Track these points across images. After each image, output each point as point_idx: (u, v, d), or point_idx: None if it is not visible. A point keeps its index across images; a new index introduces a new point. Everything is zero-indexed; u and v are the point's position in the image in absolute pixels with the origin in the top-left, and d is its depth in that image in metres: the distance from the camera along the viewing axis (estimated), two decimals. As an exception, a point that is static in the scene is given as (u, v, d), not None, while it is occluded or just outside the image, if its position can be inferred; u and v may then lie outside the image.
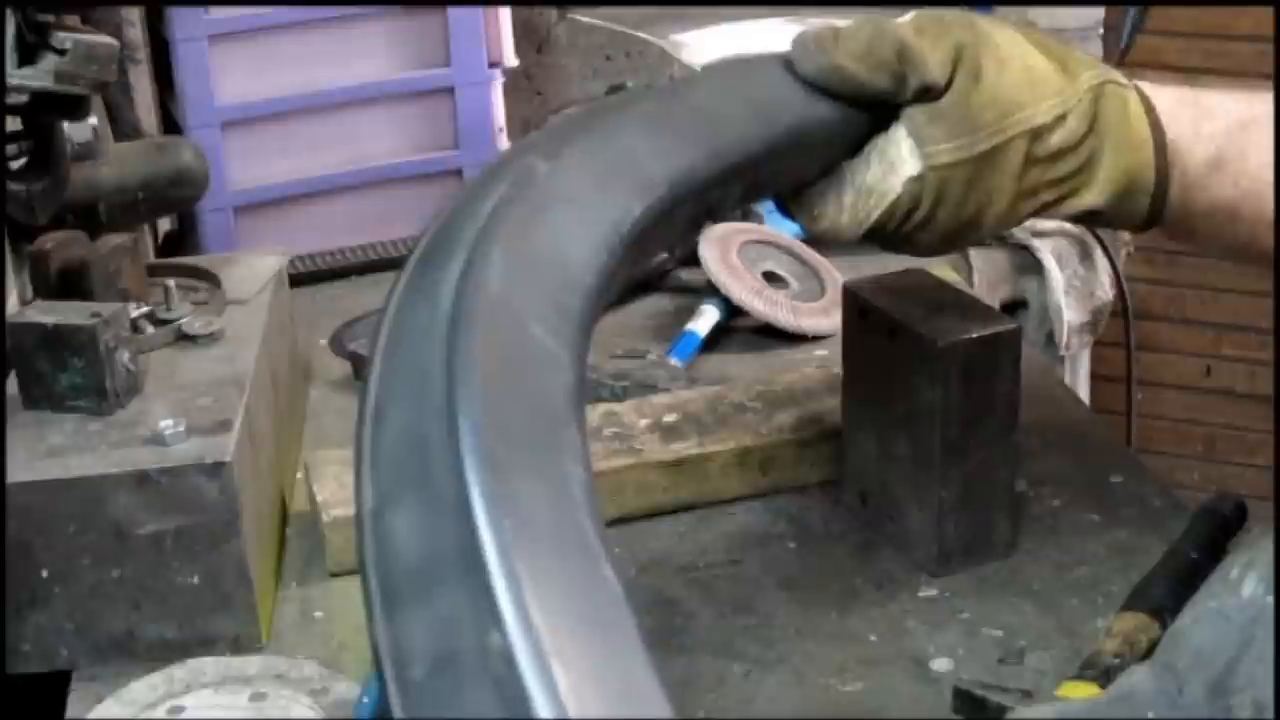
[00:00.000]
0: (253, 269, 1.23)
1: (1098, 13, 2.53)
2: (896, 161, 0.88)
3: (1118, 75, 0.92)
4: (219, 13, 1.57)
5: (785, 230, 1.51)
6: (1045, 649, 0.96)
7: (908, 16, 0.89)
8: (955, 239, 0.91)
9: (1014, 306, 2.23)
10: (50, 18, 1.02)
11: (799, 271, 1.45)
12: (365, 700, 0.90)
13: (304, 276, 1.57)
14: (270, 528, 1.07)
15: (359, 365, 1.36)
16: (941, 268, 1.32)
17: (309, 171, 1.65)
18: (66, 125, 1.11)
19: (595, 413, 1.18)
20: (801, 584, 1.04)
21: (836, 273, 1.43)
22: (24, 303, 1.13)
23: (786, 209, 0.93)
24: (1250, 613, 0.70)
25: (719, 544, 1.10)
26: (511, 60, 1.73)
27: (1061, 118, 0.89)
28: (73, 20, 1.06)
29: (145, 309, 1.14)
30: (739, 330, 1.43)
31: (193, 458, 0.95)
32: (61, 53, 1.01)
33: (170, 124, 1.68)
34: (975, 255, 1.84)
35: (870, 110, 0.88)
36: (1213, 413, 2.68)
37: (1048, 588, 1.02)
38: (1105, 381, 2.45)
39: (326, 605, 1.04)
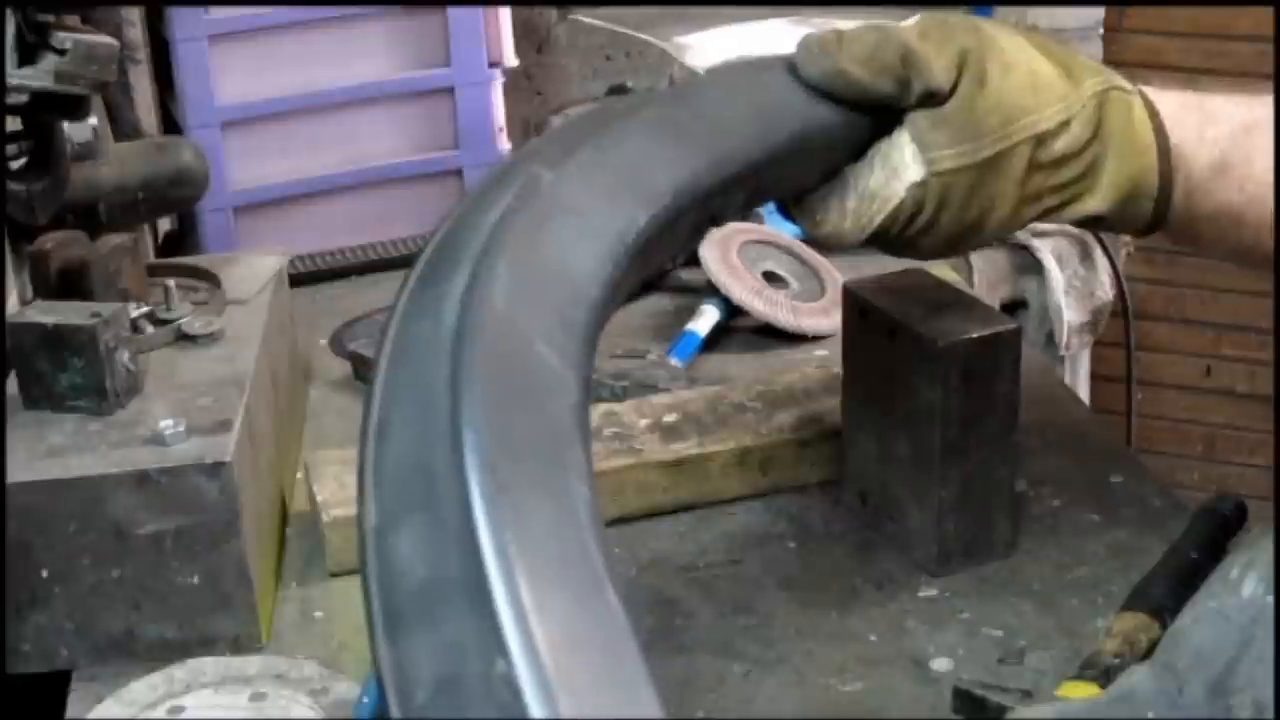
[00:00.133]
0: (253, 269, 1.23)
1: (1098, 13, 2.53)
2: (900, 167, 0.88)
3: (1122, 81, 0.92)
4: (219, 13, 1.57)
5: (785, 230, 1.51)
6: (1045, 649, 0.96)
7: (913, 20, 0.89)
8: (957, 243, 0.91)
9: (1014, 306, 2.23)
10: (50, 18, 1.02)
11: (799, 271, 1.45)
12: (365, 700, 0.90)
13: (304, 276, 1.57)
14: (270, 528, 1.07)
15: (359, 365, 1.36)
16: (941, 268, 1.32)
17: (309, 171, 1.65)
18: (66, 125, 1.11)
19: (595, 413, 1.18)
20: (801, 584, 1.04)
21: (836, 273, 1.43)
22: (24, 303, 1.13)
23: (789, 213, 0.93)
24: (1250, 613, 0.70)
25: (719, 544, 1.10)
26: (511, 60, 1.73)
27: (1066, 123, 0.88)
28: (73, 20, 1.06)
29: (145, 309, 1.14)
30: (739, 330, 1.43)
31: (193, 458, 0.95)
32: (61, 53, 1.01)
33: (170, 124, 1.68)
34: (975, 255, 1.84)
35: (874, 114, 0.88)
36: (1213, 413, 2.68)
37: (1048, 588, 1.02)
38: (1105, 381, 2.45)
39: (326, 605, 1.04)
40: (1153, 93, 0.92)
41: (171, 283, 1.15)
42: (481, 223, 0.63)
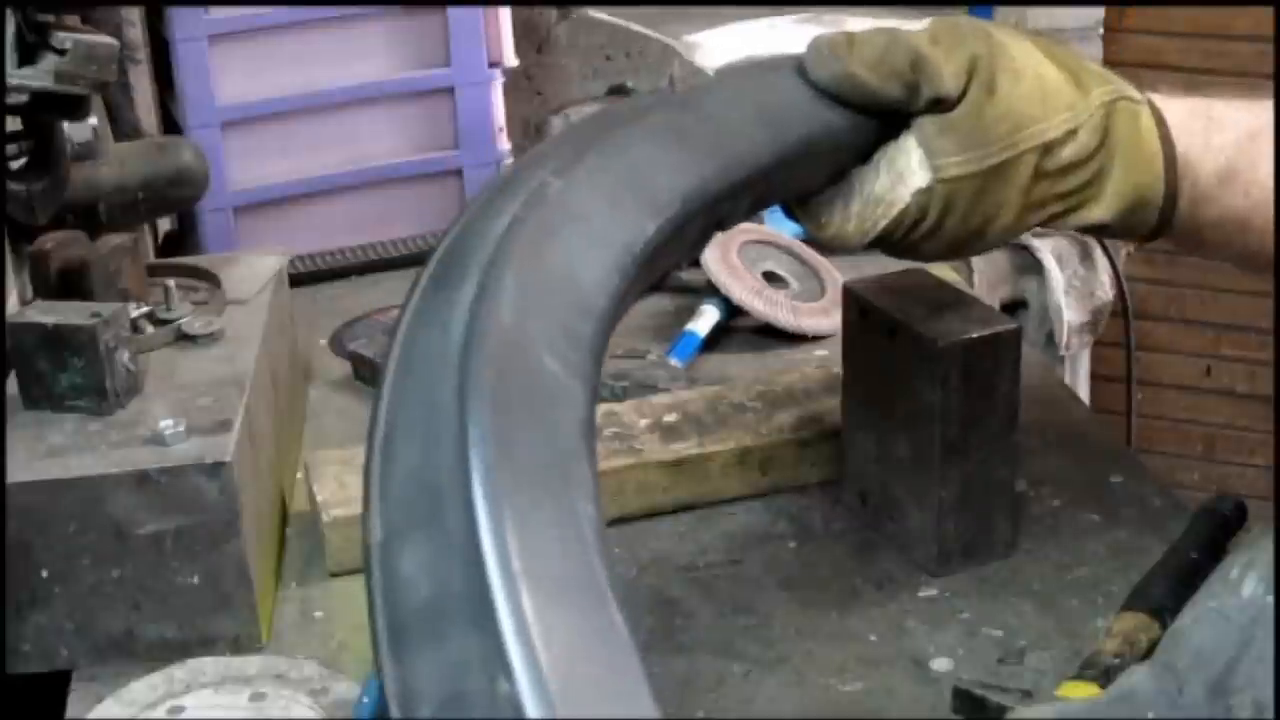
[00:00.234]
0: (253, 269, 1.23)
1: (1097, 13, 2.53)
2: (905, 172, 0.87)
3: (1131, 90, 0.91)
4: (219, 13, 1.57)
5: (785, 230, 1.51)
6: (1045, 649, 0.96)
7: (923, 25, 0.89)
8: (960, 248, 0.91)
9: (1014, 306, 2.23)
10: (50, 18, 1.02)
11: (799, 271, 1.45)
12: (365, 700, 0.90)
13: (304, 276, 1.57)
14: (270, 528, 1.07)
15: (359, 365, 1.36)
16: (941, 268, 1.31)
17: (309, 171, 1.65)
18: (66, 125, 1.11)
19: (596, 413, 1.18)
20: (801, 584, 1.04)
21: (836, 273, 1.43)
22: (24, 303, 1.13)
23: (794, 215, 0.93)
24: (1250, 613, 0.70)
25: (719, 544, 1.10)
26: (511, 60, 1.72)
27: (1073, 132, 0.88)
28: (73, 20, 1.06)
29: (145, 309, 1.14)
30: (739, 330, 1.43)
31: (193, 458, 0.95)
32: (61, 53, 1.01)
33: (170, 124, 1.68)
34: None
35: (881, 118, 0.88)
36: (1213, 413, 2.68)
37: (1048, 588, 1.02)
38: (1105, 381, 2.45)
39: (326, 605, 1.04)
40: (1160, 100, 0.92)
41: (171, 283, 1.16)
42: (489, 230, 0.62)
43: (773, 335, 1.40)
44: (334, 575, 1.07)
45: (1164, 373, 2.66)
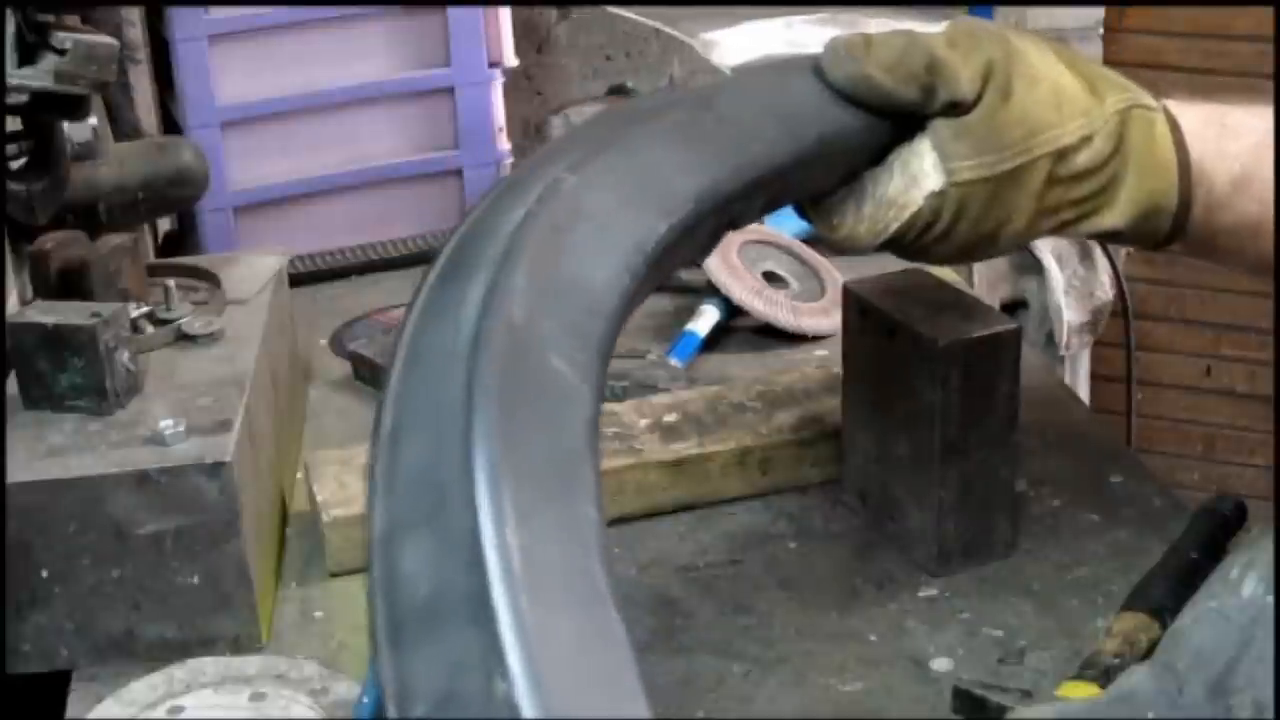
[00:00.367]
0: (253, 269, 1.23)
1: (1097, 13, 2.53)
2: (919, 175, 0.87)
3: (1146, 97, 0.91)
4: (219, 13, 1.57)
5: (785, 230, 1.51)
6: (1045, 649, 0.96)
7: (940, 28, 0.89)
8: (972, 252, 0.91)
9: (1014, 306, 2.23)
10: (50, 18, 1.02)
11: (799, 271, 1.45)
12: (365, 700, 0.90)
13: (304, 276, 1.57)
14: (270, 528, 1.07)
15: (359, 365, 1.36)
16: (941, 268, 1.31)
17: (309, 171, 1.65)
18: (66, 125, 1.11)
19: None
20: (801, 584, 1.04)
21: (836, 273, 1.43)
22: (24, 303, 1.13)
23: (806, 216, 0.93)
24: (1250, 613, 0.70)
25: (719, 544, 1.10)
26: (511, 60, 1.73)
27: (1088, 139, 0.88)
28: (73, 20, 1.06)
29: (145, 309, 1.14)
30: (739, 330, 1.43)
31: (193, 458, 0.95)
32: (61, 53, 1.01)
33: (170, 124, 1.68)
34: (975, 255, 1.83)
35: (896, 120, 0.88)
36: (1213, 413, 2.68)
37: (1048, 588, 1.02)
38: (1105, 381, 2.45)
39: (326, 605, 1.04)
40: (1175, 107, 0.92)
41: (171, 283, 1.16)
42: (501, 226, 0.62)
43: (773, 335, 1.40)
44: (334, 575, 1.07)
45: (1164, 373, 2.66)
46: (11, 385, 1.02)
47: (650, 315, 1.46)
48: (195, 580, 0.96)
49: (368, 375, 1.35)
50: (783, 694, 0.94)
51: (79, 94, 1.04)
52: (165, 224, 1.72)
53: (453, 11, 1.65)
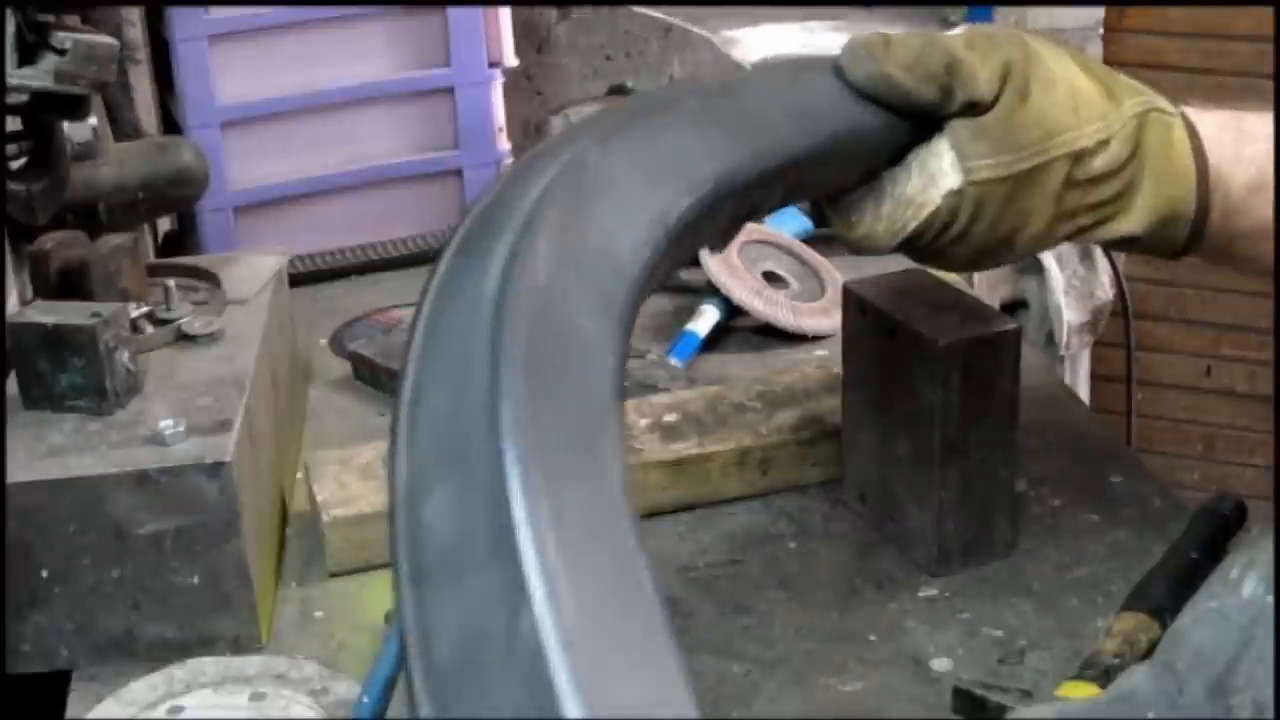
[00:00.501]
0: (253, 269, 1.23)
1: (1097, 13, 2.53)
2: (937, 174, 0.87)
3: (1164, 102, 0.91)
4: (219, 13, 1.57)
5: (785, 230, 1.51)
6: (1045, 649, 0.96)
7: (959, 30, 0.89)
8: (987, 256, 0.91)
9: (1014, 306, 2.23)
10: (50, 18, 1.02)
11: (799, 271, 1.45)
12: (365, 700, 0.90)
13: (304, 276, 1.57)
14: (270, 528, 1.07)
15: (359, 365, 1.36)
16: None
17: (309, 171, 1.65)
18: (66, 125, 1.11)
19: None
20: (801, 584, 1.04)
21: (836, 273, 1.43)
22: (24, 303, 1.13)
23: (825, 214, 0.93)
24: (1250, 613, 0.70)
25: (719, 544, 1.10)
26: (511, 60, 1.72)
27: (1105, 142, 0.88)
28: (73, 20, 1.06)
29: (145, 309, 1.14)
30: (739, 330, 1.43)
31: (193, 458, 0.95)
32: (61, 53, 1.01)
33: (170, 124, 1.68)
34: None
35: (915, 120, 0.88)
36: (1213, 413, 2.68)
37: (1048, 588, 1.02)
38: (1105, 381, 2.46)
39: (326, 605, 1.04)
40: (1193, 114, 0.92)
41: (171, 283, 1.16)
42: (525, 194, 0.62)
43: (773, 335, 1.40)
44: (334, 575, 1.07)
45: (1164, 373, 2.66)
46: (11, 385, 1.02)
47: (650, 315, 1.46)
48: (195, 580, 0.96)
49: (368, 375, 1.35)
50: (783, 694, 0.94)
51: (79, 94, 1.04)
52: (165, 224, 1.72)
53: (453, 11, 1.65)
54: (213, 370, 1.07)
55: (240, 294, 1.18)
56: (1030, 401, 1.05)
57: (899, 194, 0.89)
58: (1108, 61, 2.36)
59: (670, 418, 1.18)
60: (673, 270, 0.75)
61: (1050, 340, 2.25)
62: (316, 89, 1.63)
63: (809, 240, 1.50)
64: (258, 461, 1.04)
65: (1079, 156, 0.88)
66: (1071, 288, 2.22)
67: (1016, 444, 1.03)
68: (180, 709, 0.91)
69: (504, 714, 0.39)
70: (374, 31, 1.65)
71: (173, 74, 1.60)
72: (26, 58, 1.01)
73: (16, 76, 1.00)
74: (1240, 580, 0.72)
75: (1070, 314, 2.22)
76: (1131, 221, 0.90)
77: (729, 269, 1.41)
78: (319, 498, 1.08)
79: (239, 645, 0.98)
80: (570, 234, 0.61)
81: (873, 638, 0.98)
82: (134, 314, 1.11)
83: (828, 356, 1.33)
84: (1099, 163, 0.88)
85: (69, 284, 1.10)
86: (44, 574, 0.95)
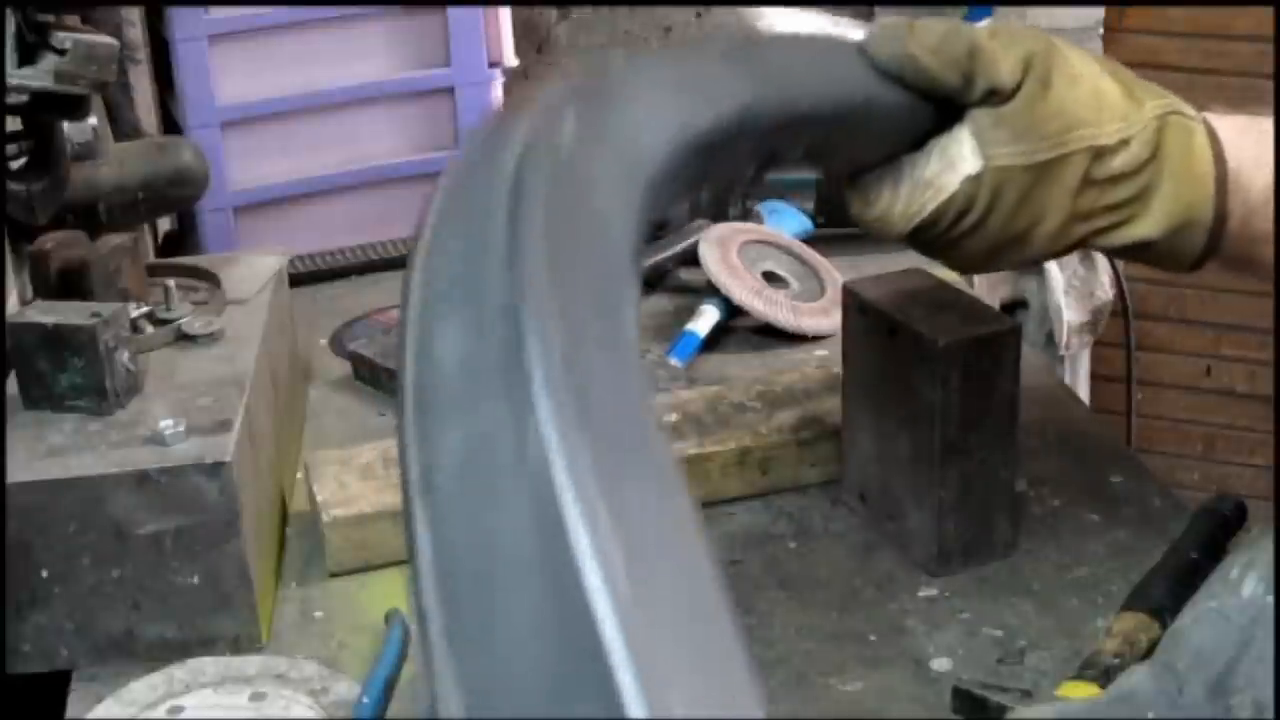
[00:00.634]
0: (253, 269, 1.23)
1: (1097, 13, 2.53)
2: (956, 159, 0.87)
3: (1186, 106, 0.91)
4: (219, 13, 1.57)
5: (785, 230, 1.51)
6: (1045, 649, 0.96)
7: (984, 23, 0.89)
8: (1001, 253, 0.90)
9: (1014, 306, 2.23)
10: (50, 18, 1.02)
11: (799, 271, 1.45)
12: (365, 700, 0.90)
13: (304, 276, 1.57)
14: (270, 528, 1.07)
15: (359, 365, 1.36)
16: (941, 268, 1.31)
17: (309, 171, 1.65)
18: (66, 125, 1.11)
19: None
20: (801, 584, 1.04)
21: (836, 273, 1.43)
22: (24, 303, 1.13)
23: (842, 192, 0.93)
24: (1250, 613, 0.70)
25: (719, 544, 1.10)
26: (511, 60, 1.73)
27: (1125, 142, 0.88)
28: (73, 20, 1.06)
29: (145, 309, 1.14)
30: (739, 330, 1.43)
31: (193, 458, 0.95)
32: (61, 53, 1.01)
33: (170, 124, 1.68)
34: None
35: (936, 107, 0.88)
36: (1213, 413, 2.68)
37: (1048, 588, 1.02)
38: (1105, 381, 2.45)
39: (326, 605, 1.04)
40: (1214, 118, 0.92)
41: (171, 283, 1.16)
42: (547, 93, 0.62)
43: (773, 335, 1.40)
44: (334, 575, 1.07)
45: (1164, 373, 2.66)
46: (11, 385, 1.02)
47: (650, 315, 1.46)
48: (195, 580, 0.96)
49: (368, 375, 1.35)
50: (783, 694, 0.94)
51: (79, 94, 1.04)
52: (165, 224, 1.72)
53: (453, 11, 1.65)
54: (213, 370, 1.07)
55: (240, 294, 1.18)
56: (1030, 401, 1.05)
57: (918, 176, 0.88)
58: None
59: (670, 418, 1.18)
60: (688, 193, 0.74)
61: (1050, 340, 2.25)
62: (316, 89, 1.63)
63: (809, 240, 1.50)
64: (258, 461, 1.04)
65: (1098, 154, 0.88)
66: (1071, 288, 2.22)
67: (1016, 444, 1.03)
68: (180, 709, 0.91)
69: (507, 532, 0.38)
70: (374, 31, 1.65)
71: (173, 74, 1.60)
72: (26, 58, 1.01)
73: (16, 76, 1.00)
74: (1240, 580, 0.72)
75: (1070, 314, 2.22)
76: (1148, 226, 0.90)
77: (729, 269, 1.41)
78: (319, 498, 1.08)
79: (239, 645, 0.98)
80: (596, 118, 0.60)
81: (873, 638, 0.98)
82: (134, 314, 1.11)
83: (828, 356, 1.33)
84: (1118, 162, 0.88)
85: (69, 284, 1.10)
86: (44, 574, 0.95)
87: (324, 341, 1.45)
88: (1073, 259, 2.23)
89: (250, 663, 0.95)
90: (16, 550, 0.94)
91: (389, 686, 0.92)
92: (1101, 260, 2.22)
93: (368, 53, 1.65)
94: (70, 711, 0.94)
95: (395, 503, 1.07)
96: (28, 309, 1.04)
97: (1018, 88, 0.87)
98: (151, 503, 0.94)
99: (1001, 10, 2.34)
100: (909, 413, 1.02)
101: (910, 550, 1.05)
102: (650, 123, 0.64)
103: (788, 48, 0.87)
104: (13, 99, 1.02)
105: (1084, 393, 2.37)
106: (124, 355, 1.01)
